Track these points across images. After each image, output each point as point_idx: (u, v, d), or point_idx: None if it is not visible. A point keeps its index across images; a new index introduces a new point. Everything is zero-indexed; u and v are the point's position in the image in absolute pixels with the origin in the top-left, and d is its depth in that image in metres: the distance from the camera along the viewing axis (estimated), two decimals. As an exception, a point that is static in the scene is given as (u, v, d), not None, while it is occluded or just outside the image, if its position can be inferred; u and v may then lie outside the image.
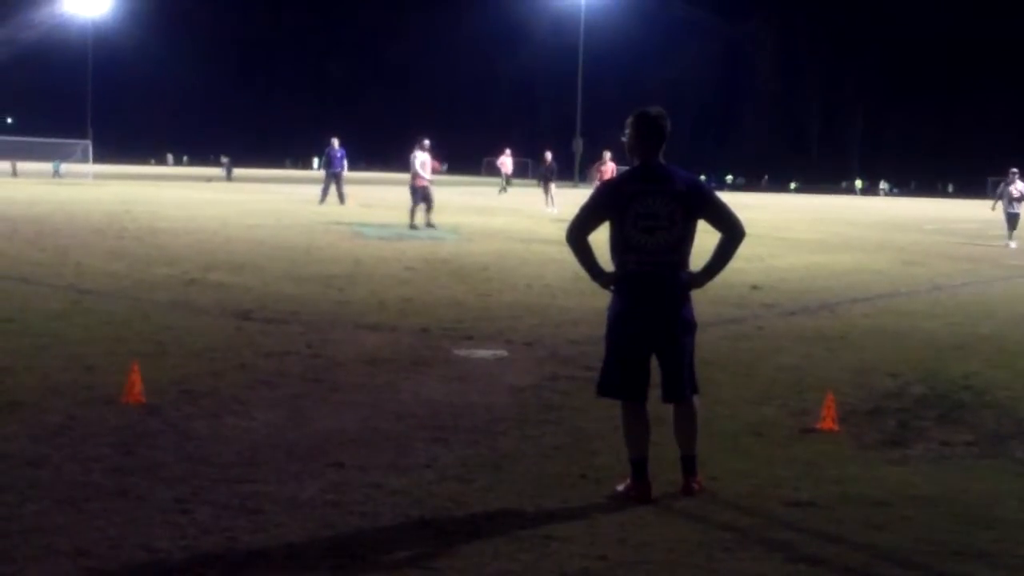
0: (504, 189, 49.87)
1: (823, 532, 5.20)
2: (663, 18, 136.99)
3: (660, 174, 5.68)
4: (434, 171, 26.27)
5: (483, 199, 45.77)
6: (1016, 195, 28.65)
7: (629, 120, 5.83)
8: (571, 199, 46.91)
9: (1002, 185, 29.50)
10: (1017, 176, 28.95)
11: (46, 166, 61.72)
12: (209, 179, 64.55)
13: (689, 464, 5.79)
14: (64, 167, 61.72)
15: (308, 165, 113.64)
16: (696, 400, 5.87)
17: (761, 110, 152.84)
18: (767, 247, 23.55)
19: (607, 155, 30.67)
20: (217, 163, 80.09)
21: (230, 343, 9.69)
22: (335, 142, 36.09)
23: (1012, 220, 28.72)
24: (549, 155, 39.91)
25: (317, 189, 37.50)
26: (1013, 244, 27.76)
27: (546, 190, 38.14)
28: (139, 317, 10.98)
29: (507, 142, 51.91)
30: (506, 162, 49.50)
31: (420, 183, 25.53)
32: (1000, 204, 29.60)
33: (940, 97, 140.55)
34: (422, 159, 25.71)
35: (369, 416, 7.20)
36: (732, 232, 5.71)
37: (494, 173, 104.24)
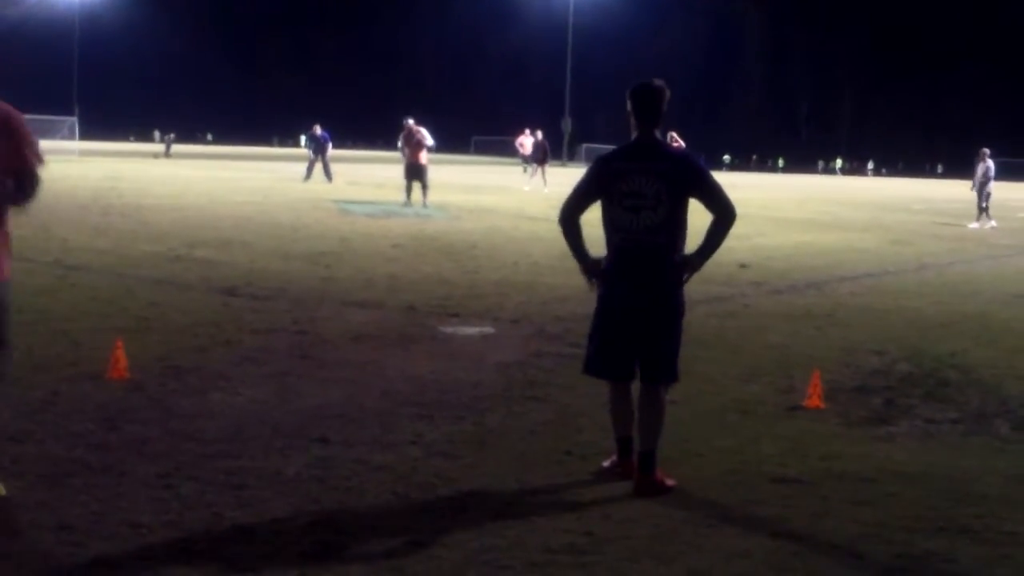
0: (526, 170, 49.50)
1: (808, 508, 5.21)
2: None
3: (650, 151, 5.49)
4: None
5: (472, 177, 45.71)
6: (983, 173, 28.75)
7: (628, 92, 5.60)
8: (559, 179, 46.83)
9: (978, 165, 29.51)
10: (987, 156, 29.10)
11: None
12: (156, 155, 64.98)
13: (647, 461, 5.41)
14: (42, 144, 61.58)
15: (296, 143, 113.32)
16: (664, 393, 5.57)
17: (750, 89, 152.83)
18: (755, 226, 23.55)
19: (670, 135, 29.65)
20: (204, 140, 79.92)
21: (216, 319, 9.66)
22: (317, 128, 36.53)
23: (978, 199, 28.77)
24: (540, 134, 40.04)
25: (300, 167, 37.52)
26: (993, 223, 27.77)
27: (540, 169, 38.43)
28: (124, 293, 10.93)
29: (525, 121, 51.10)
30: (525, 143, 49.02)
31: (424, 160, 25.81)
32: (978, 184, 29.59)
33: (930, 77, 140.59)
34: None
35: (355, 392, 7.18)
36: (723, 214, 5.47)
37: (481, 151, 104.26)
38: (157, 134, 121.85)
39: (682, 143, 28.49)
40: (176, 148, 73.09)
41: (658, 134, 5.57)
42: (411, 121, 26.36)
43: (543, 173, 37.90)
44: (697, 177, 5.50)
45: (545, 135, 40.60)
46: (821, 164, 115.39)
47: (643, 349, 5.50)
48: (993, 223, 27.91)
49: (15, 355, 7.69)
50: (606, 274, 5.58)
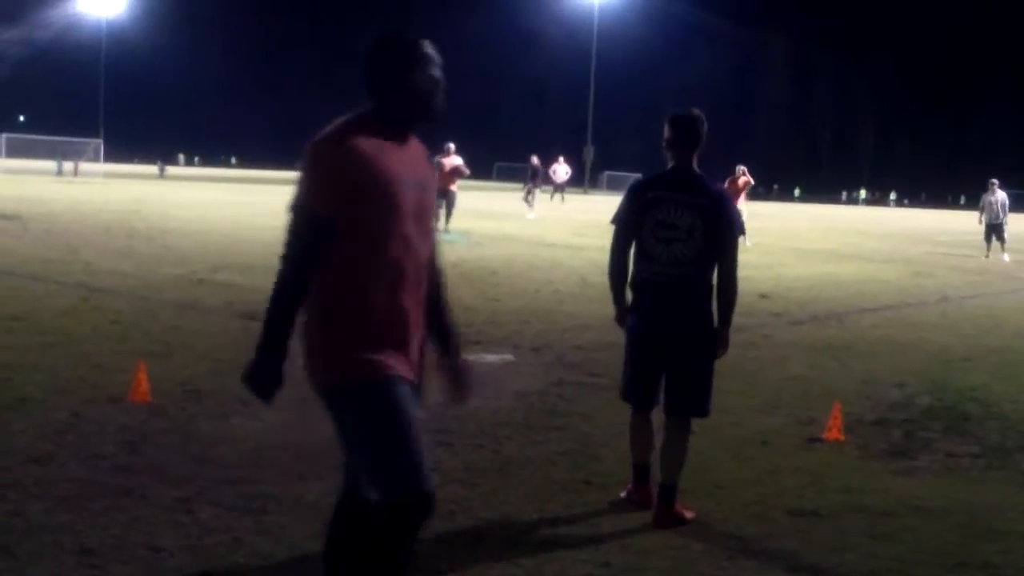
0: (553, 198, 49.69)
1: (827, 542, 5.19)
2: (676, 25, 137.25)
3: (688, 182, 5.39)
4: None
5: (494, 204, 45.78)
6: (998, 205, 28.48)
7: (667, 120, 5.54)
8: (580, 206, 46.91)
9: (983, 197, 29.22)
10: (997, 187, 28.84)
11: (68, 165, 62.68)
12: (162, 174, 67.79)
13: (668, 493, 5.38)
14: (67, 165, 62.53)
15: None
16: (690, 426, 5.52)
17: (773, 119, 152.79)
18: (776, 256, 23.55)
19: (740, 169, 29.04)
20: (228, 163, 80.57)
21: (237, 344, 9.66)
22: None
23: (996, 231, 28.53)
24: (535, 159, 40.46)
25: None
26: (1006, 257, 27.54)
27: (530, 193, 38.98)
28: (147, 316, 11.00)
29: (558, 149, 51.18)
30: (558, 170, 48.93)
31: (454, 187, 26.03)
32: (985, 217, 29.21)
33: (953, 107, 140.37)
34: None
35: (375, 419, 7.18)
36: (728, 281, 5.37)
37: (503, 177, 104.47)
38: (182, 157, 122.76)
39: (751, 179, 28.36)
40: (200, 171, 73.90)
41: (696, 164, 5.49)
42: (452, 146, 26.36)
43: (530, 196, 38.53)
44: (728, 226, 5.39)
45: (541, 160, 40.78)
46: (845, 194, 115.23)
47: (671, 380, 5.45)
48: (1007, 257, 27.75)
49: (38, 377, 7.80)
50: (633, 300, 5.54)
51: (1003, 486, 6.38)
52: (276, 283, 3.41)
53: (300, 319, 3.50)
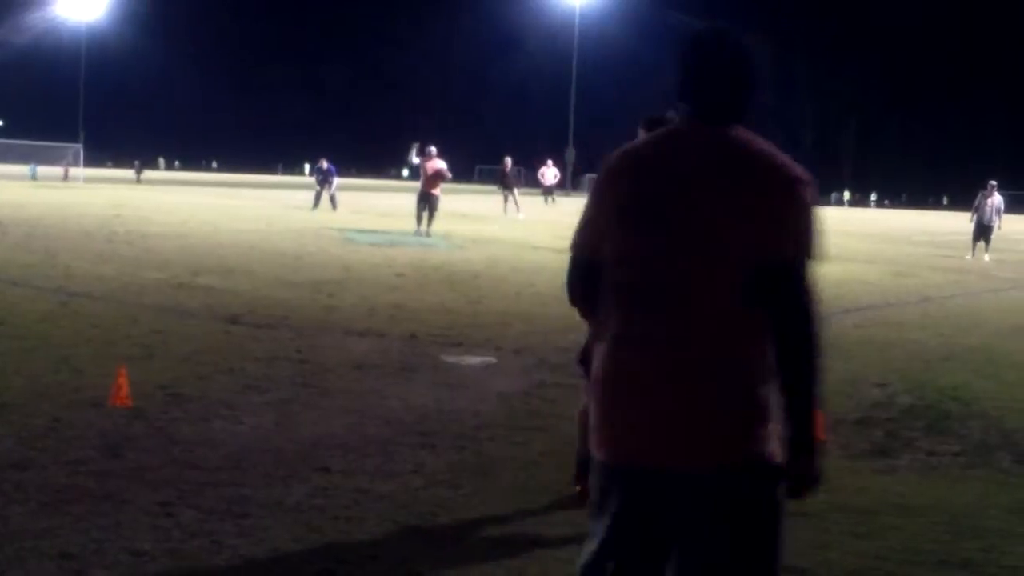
0: (547, 201, 49.74)
1: (809, 540, 5.19)
2: (657, 27, 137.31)
3: None
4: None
5: (476, 206, 45.78)
6: (992, 208, 28.44)
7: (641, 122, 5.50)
8: (563, 208, 46.98)
9: (979, 197, 29.09)
10: (995, 189, 28.84)
11: (49, 170, 62.41)
12: (139, 179, 67.76)
13: None
14: (41, 170, 62.38)
15: (301, 171, 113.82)
16: None
17: (754, 120, 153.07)
18: (758, 257, 23.55)
19: None
20: (209, 167, 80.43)
21: (218, 347, 9.66)
22: (324, 162, 38.20)
23: (985, 233, 28.51)
24: (509, 160, 40.61)
25: (304, 195, 38.28)
26: (987, 257, 27.54)
27: (508, 196, 39.13)
28: (127, 320, 10.95)
29: (548, 153, 51.33)
30: (546, 173, 48.90)
31: (437, 190, 26.12)
32: (978, 217, 29.04)
33: (935, 109, 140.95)
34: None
35: (357, 421, 7.18)
36: None
37: (486, 180, 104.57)
38: (162, 161, 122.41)
39: None
40: (181, 175, 73.78)
41: None
42: (434, 150, 26.49)
43: (514, 199, 38.68)
44: None
45: (515, 162, 41.13)
46: (834, 196, 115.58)
47: None
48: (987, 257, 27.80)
49: (18, 382, 7.76)
50: None
51: (984, 484, 6.40)
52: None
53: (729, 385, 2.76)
